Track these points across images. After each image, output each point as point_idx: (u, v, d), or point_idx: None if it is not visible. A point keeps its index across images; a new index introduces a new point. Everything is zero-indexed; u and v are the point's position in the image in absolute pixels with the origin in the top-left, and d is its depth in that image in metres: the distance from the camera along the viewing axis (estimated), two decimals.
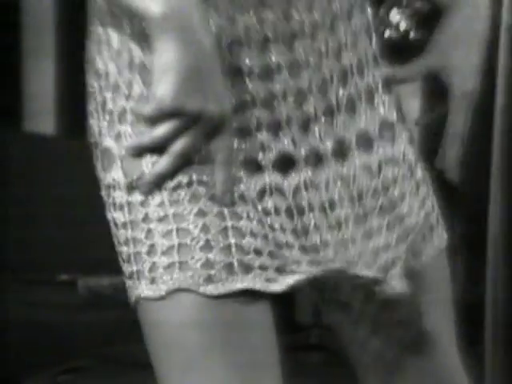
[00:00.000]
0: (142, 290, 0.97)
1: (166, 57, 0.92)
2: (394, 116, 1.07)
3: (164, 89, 0.91)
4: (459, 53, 1.11)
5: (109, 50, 1.02)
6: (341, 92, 1.02)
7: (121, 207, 1.00)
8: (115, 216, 1.01)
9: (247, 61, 0.98)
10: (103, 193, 1.03)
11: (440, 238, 1.09)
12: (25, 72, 3.61)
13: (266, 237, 0.98)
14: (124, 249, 1.00)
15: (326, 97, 1.01)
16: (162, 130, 0.92)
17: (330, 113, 1.01)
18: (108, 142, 1.01)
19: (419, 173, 1.08)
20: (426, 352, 1.10)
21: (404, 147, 1.07)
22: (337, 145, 1.03)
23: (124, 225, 1.00)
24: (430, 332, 1.09)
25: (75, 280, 2.92)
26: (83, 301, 2.88)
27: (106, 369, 2.52)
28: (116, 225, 1.01)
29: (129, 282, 1.00)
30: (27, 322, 2.74)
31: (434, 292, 1.10)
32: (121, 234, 1.01)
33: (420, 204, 1.07)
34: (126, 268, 1.00)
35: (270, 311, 0.98)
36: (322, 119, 1.01)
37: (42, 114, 3.77)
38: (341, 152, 1.02)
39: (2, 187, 3.20)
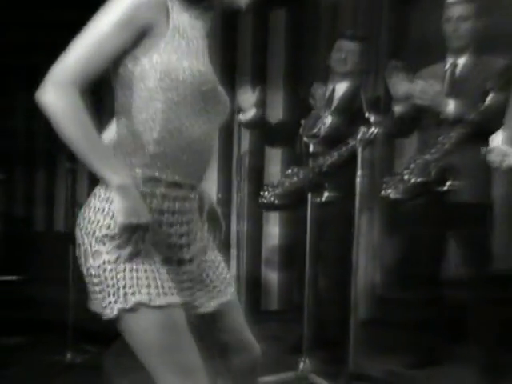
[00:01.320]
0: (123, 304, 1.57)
1: (118, 204, 1.49)
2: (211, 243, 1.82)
3: (119, 218, 1.50)
4: None
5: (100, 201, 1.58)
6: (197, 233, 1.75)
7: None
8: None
9: (164, 217, 1.65)
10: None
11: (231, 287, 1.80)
12: None
13: (174, 280, 1.63)
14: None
15: (198, 233, 1.75)
16: (123, 237, 1.53)
17: (199, 240, 1.76)
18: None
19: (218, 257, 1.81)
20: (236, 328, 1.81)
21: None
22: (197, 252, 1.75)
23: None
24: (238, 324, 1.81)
25: None
26: None
27: None
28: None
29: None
30: None
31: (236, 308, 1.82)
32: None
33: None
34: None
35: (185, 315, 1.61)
36: (195, 245, 1.73)
37: None
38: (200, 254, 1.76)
39: None
